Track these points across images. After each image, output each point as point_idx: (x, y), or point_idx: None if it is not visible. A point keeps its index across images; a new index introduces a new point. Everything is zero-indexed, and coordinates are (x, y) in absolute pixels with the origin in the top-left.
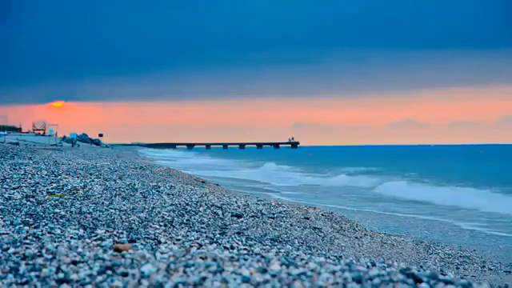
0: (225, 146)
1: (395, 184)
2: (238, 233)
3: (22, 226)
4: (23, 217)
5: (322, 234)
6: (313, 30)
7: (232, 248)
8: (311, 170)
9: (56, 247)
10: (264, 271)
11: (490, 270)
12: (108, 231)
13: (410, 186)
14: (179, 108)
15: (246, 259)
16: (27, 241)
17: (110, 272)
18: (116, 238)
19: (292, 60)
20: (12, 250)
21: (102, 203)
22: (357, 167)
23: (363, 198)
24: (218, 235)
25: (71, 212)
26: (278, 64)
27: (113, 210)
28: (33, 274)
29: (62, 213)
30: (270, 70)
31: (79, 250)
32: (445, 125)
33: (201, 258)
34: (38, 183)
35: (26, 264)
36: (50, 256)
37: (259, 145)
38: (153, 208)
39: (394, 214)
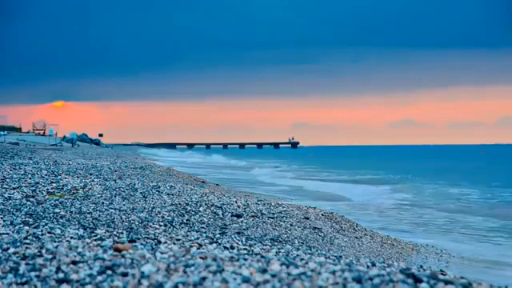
0: (225, 145)
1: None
2: (238, 233)
3: (21, 226)
4: (23, 217)
5: (322, 234)
6: (313, 30)
7: (232, 248)
8: None
9: (56, 247)
10: (264, 271)
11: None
12: (108, 231)
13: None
14: (179, 108)
15: (246, 259)
16: (27, 241)
17: (109, 272)
18: (116, 238)
19: (292, 60)
20: (12, 250)
21: (102, 203)
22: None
23: None
24: (218, 235)
25: (71, 212)
26: (277, 64)
27: (113, 210)
28: (33, 273)
29: (62, 213)
30: (270, 70)
31: (79, 249)
32: (445, 125)
33: (201, 257)
34: (37, 183)
35: (26, 264)
36: (50, 256)
37: (259, 145)
38: (153, 208)
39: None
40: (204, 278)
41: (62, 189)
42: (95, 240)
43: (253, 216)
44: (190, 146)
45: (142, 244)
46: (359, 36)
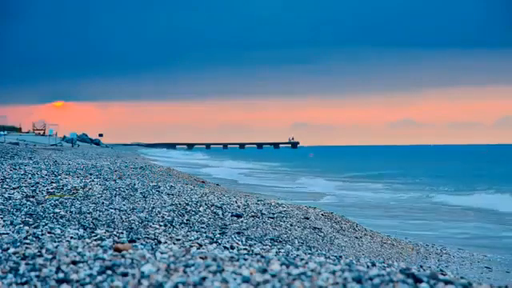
0: (225, 145)
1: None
2: (238, 233)
3: (21, 226)
4: (23, 217)
5: (322, 234)
6: (313, 30)
7: (232, 248)
8: None
9: (56, 247)
10: (264, 271)
11: (490, 269)
12: (108, 231)
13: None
14: (179, 108)
15: (246, 259)
16: (27, 241)
17: (109, 272)
18: (116, 238)
19: (292, 60)
20: (12, 250)
21: (102, 203)
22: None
23: None
24: (218, 235)
25: (71, 212)
26: (277, 64)
27: (113, 210)
28: (33, 273)
29: (62, 213)
30: (270, 70)
31: (79, 249)
32: (445, 125)
33: (201, 257)
34: (37, 183)
35: (26, 264)
36: (49, 256)
37: (259, 145)
38: (153, 208)
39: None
40: (204, 278)
41: (62, 189)
42: (95, 240)
43: (253, 216)
44: (190, 146)
45: (142, 244)
46: (359, 36)
